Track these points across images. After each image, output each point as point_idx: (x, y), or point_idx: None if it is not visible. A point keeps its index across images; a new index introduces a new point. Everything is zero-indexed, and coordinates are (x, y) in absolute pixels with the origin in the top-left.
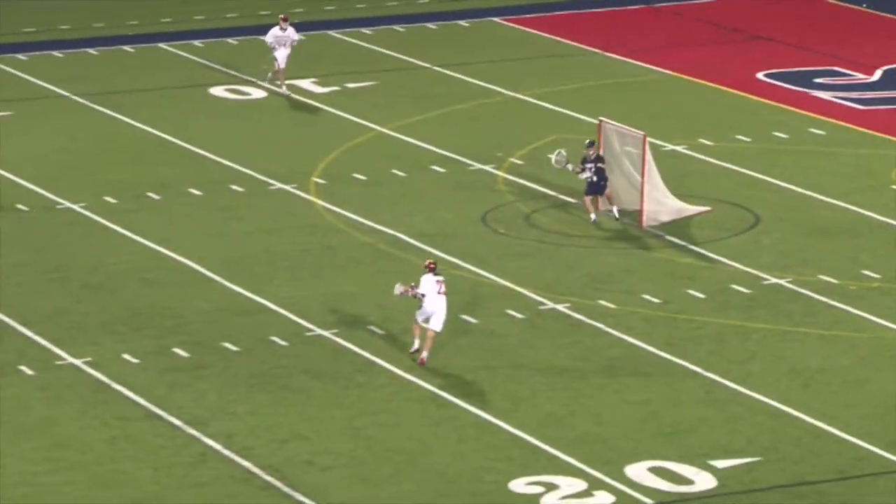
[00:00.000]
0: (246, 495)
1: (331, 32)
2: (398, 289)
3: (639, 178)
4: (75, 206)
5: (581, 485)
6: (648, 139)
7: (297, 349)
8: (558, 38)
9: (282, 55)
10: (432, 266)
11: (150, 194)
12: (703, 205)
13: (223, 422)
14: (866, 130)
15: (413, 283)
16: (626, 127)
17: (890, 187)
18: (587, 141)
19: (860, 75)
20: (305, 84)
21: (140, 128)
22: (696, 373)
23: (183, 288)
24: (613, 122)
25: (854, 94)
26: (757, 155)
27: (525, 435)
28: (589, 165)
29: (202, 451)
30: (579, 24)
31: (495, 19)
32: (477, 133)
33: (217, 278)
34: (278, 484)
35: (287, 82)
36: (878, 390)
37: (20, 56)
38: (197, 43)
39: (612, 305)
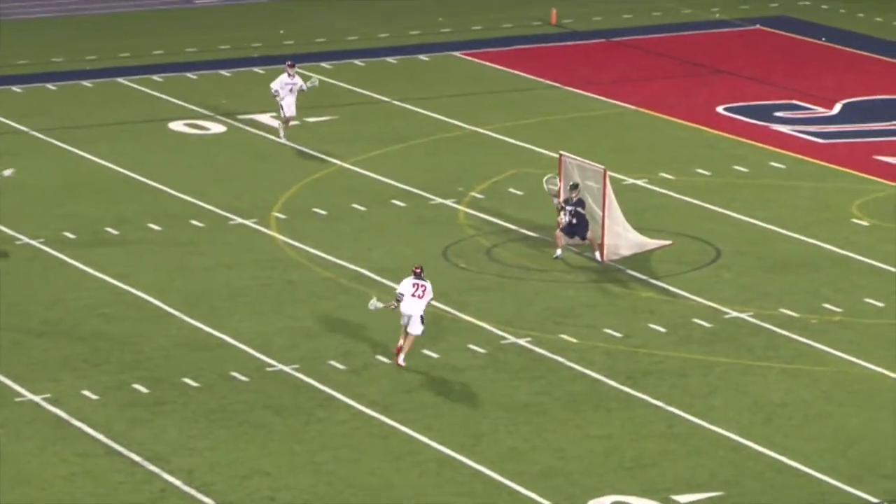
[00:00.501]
0: None
1: None
2: (373, 304)
3: (599, 212)
4: (34, 242)
5: None
6: (609, 173)
7: (257, 384)
8: (518, 73)
9: (289, 102)
10: (417, 271)
11: (110, 229)
12: (664, 239)
13: (183, 458)
14: (826, 164)
15: (393, 305)
16: (587, 161)
17: (850, 221)
18: (571, 183)
19: (820, 109)
20: (265, 119)
21: (99, 163)
22: (657, 407)
23: (142, 323)
24: (574, 156)
25: (814, 128)
26: (717, 189)
27: (487, 470)
28: (570, 208)
29: (162, 488)
30: (539, 58)
31: (455, 53)
32: (437, 167)
33: (177, 313)
34: None
35: (246, 116)
36: (839, 424)
37: None
38: (156, 77)
39: (573, 340)
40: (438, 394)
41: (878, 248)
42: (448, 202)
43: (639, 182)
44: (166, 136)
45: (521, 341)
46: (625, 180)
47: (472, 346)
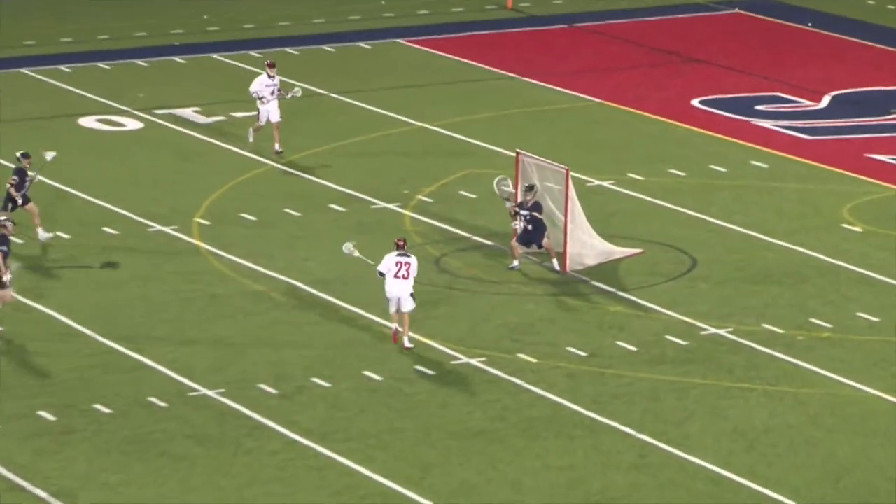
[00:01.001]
0: None
1: (215, 56)
2: (347, 248)
3: (561, 217)
4: None
5: None
6: (572, 174)
7: (178, 411)
8: (470, 62)
9: (273, 107)
10: (400, 244)
11: (14, 238)
12: (634, 246)
13: (94, 493)
14: (813, 163)
15: (370, 263)
16: (547, 160)
17: (840, 226)
18: (526, 185)
19: (806, 102)
20: (187, 113)
21: (1, 164)
22: (627, 434)
23: (50, 343)
24: (532, 155)
25: (799, 123)
26: (692, 191)
27: None
28: (524, 213)
29: None
30: (493, 45)
31: (399, 41)
32: (380, 168)
33: (88, 332)
34: None
35: (166, 111)
36: (829, 452)
37: None
38: (64, 68)
39: (532, 359)
40: (382, 421)
41: (872, 257)
42: (392, 206)
43: (605, 183)
44: (76, 133)
45: (475, 361)
46: (589, 182)
47: (419, 368)
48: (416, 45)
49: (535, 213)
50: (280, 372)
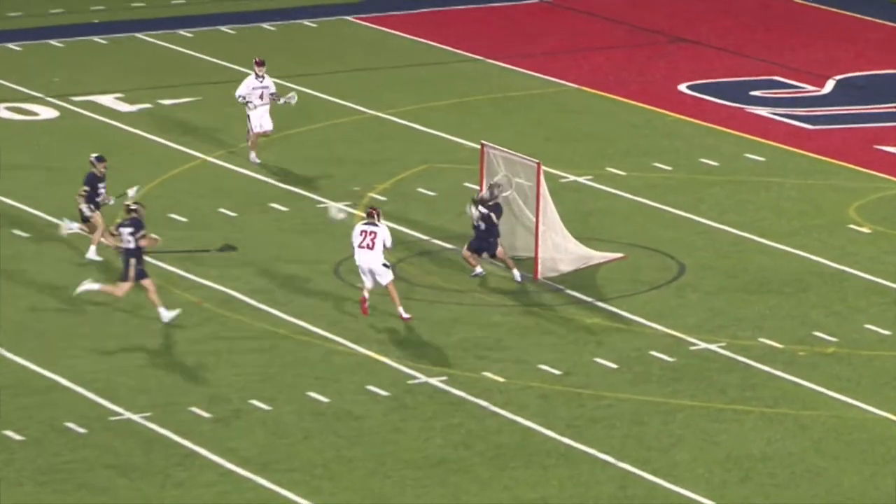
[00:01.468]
0: None
1: (140, 36)
2: (334, 213)
3: (532, 217)
4: None
5: None
6: (543, 168)
7: (99, 437)
8: (429, 42)
9: (262, 113)
10: (370, 211)
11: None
12: (614, 250)
13: None
14: (816, 156)
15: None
16: (516, 153)
17: (846, 227)
18: (493, 181)
19: (808, 87)
20: (107, 101)
21: None
22: (606, 462)
23: None
24: (499, 147)
25: (800, 111)
26: (680, 187)
27: None
28: (481, 211)
29: None
30: (455, 24)
31: (349, 18)
32: (328, 161)
33: None
34: None
35: (85, 98)
36: (834, 482)
37: None
38: None
39: (500, 378)
40: (330, 448)
41: (882, 261)
42: (341, 206)
43: (581, 179)
44: None
45: (435, 381)
46: (564, 177)
47: (371, 388)
48: (367, 23)
49: (493, 216)
50: (214, 393)
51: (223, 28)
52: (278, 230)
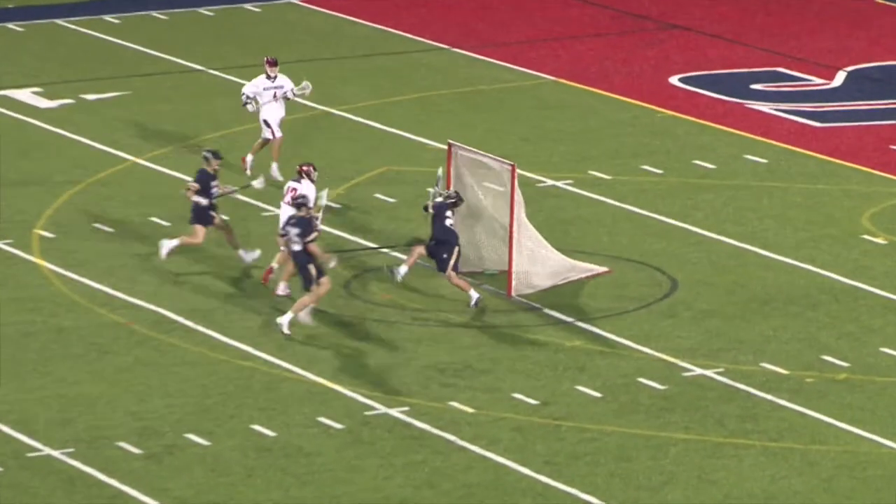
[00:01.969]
0: None
1: (60, 22)
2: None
3: (505, 226)
4: None
5: None
6: (518, 171)
7: (14, 476)
8: (388, 29)
9: (274, 117)
10: (299, 169)
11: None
12: (597, 264)
13: None
14: (825, 157)
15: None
16: (487, 154)
17: (859, 237)
18: (447, 193)
19: (816, 79)
20: (24, 96)
21: None
22: None
23: None
24: (468, 148)
25: (807, 106)
26: (672, 193)
27: None
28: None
29: None
30: (418, 8)
31: (297, 2)
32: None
33: None
34: None
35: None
36: None
37: None
38: None
39: (469, 409)
40: (276, 488)
41: None
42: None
43: (560, 184)
44: None
45: (395, 412)
46: (541, 182)
47: (323, 420)
48: (319, 8)
49: (448, 218)
50: (145, 426)
51: (154, 13)
52: (217, 243)
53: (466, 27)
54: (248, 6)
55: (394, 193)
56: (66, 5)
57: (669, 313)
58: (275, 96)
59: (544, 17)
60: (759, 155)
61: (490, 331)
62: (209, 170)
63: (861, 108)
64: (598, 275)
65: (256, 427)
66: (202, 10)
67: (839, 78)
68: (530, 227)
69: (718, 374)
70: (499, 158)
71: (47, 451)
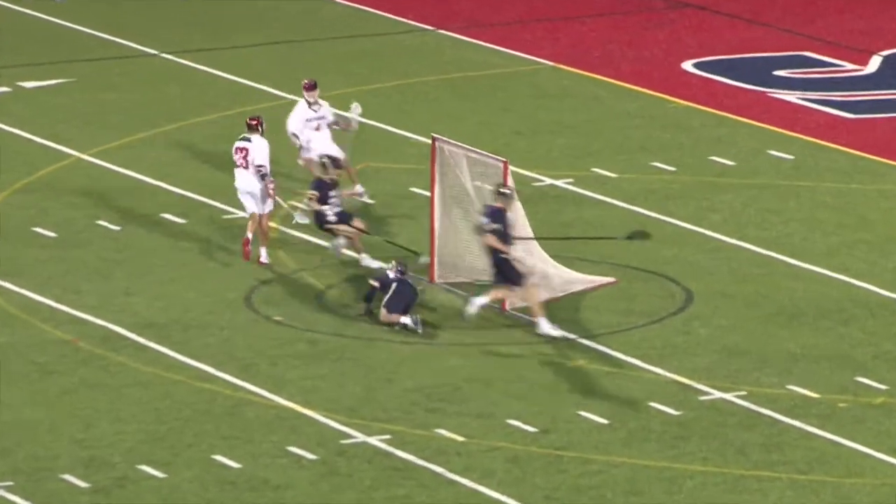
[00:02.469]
0: None
1: None
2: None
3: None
4: None
5: None
6: (512, 168)
7: None
8: (366, 8)
9: (322, 144)
10: (248, 122)
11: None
12: (602, 274)
13: None
14: (857, 153)
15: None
16: (477, 150)
17: None
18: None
19: (847, 65)
20: None
21: None
22: None
23: None
24: (455, 142)
25: (838, 95)
26: (686, 193)
27: None
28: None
29: None
30: None
31: None
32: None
33: None
34: None
35: None
36: None
37: None
38: None
39: (458, 437)
40: None
41: None
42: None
43: (560, 183)
44: None
45: (374, 440)
46: (539, 180)
47: (294, 450)
48: None
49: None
50: (92, 456)
51: None
52: (173, 248)
53: (452, 5)
54: None
55: (372, 192)
56: None
57: (684, 329)
58: (317, 128)
59: None
60: (784, 150)
61: (482, 349)
62: (326, 179)
63: None
64: (603, 285)
65: (218, 457)
66: None
67: (873, 63)
68: (528, 231)
69: (739, 397)
70: (489, 154)
71: None
